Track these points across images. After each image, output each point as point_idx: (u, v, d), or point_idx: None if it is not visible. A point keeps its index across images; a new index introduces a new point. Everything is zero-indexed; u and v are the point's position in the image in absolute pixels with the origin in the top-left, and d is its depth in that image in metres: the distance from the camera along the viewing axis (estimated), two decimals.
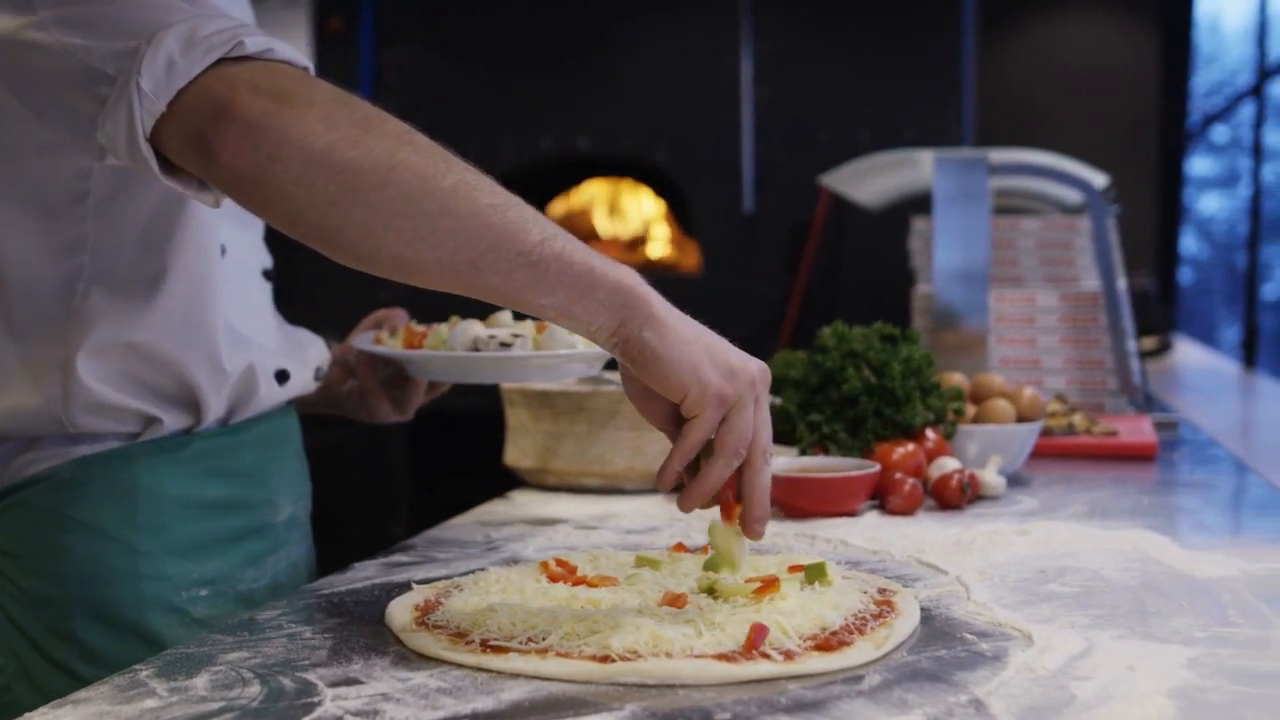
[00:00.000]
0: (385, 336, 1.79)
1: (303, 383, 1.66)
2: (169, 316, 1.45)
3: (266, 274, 1.66)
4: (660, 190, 5.99)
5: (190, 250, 1.46)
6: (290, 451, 1.68)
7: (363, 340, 1.77)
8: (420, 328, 1.77)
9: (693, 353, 1.16)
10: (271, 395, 1.58)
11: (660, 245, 6.02)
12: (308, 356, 1.69)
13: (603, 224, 6.08)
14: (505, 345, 1.66)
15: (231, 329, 1.51)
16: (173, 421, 1.49)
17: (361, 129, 1.15)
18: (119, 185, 1.39)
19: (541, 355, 1.68)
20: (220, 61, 1.18)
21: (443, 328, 1.73)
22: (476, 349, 1.67)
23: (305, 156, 1.13)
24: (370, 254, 1.16)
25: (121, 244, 1.43)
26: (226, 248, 1.52)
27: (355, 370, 1.83)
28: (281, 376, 1.59)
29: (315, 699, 1.04)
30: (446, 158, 1.17)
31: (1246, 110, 10.66)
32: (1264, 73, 9.89)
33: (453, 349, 1.68)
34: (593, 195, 6.14)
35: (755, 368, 1.21)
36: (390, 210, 1.13)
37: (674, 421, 1.22)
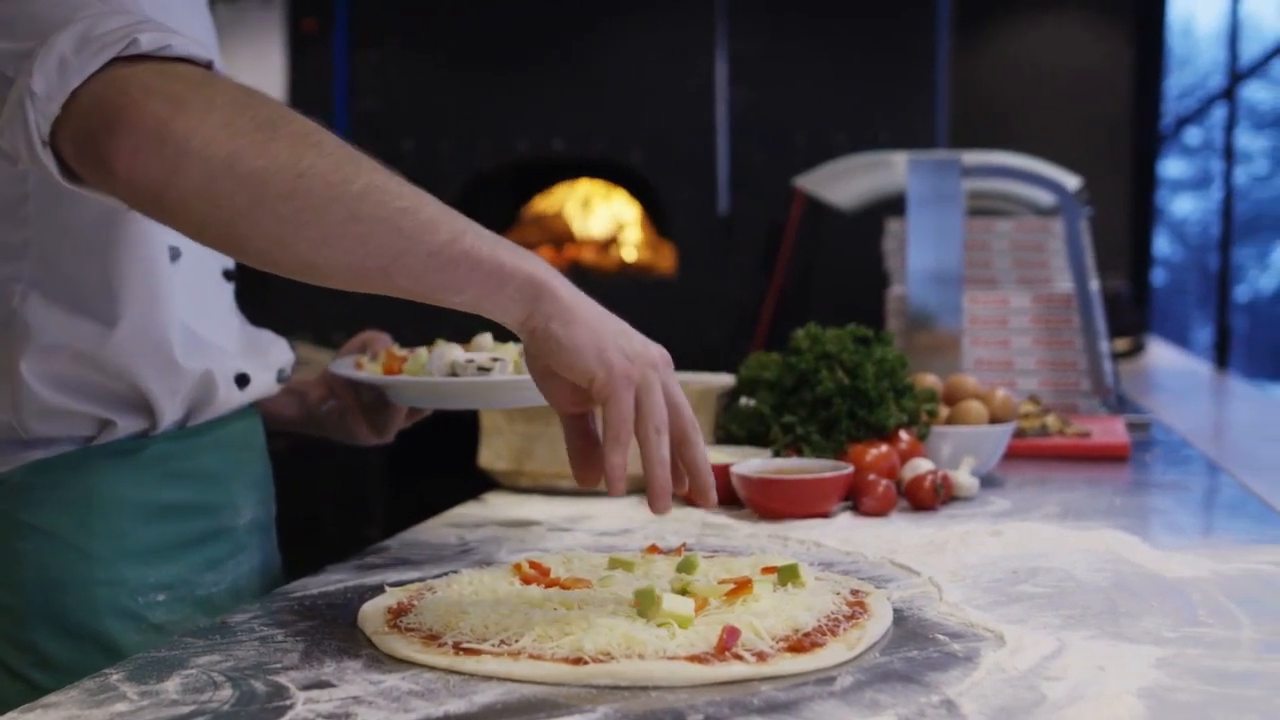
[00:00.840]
0: (366, 361, 1.74)
1: (264, 385, 1.63)
2: (117, 321, 1.42)
3: (228, 274, 1.63)
4: (635, 192, 5.99)
5: (136, 253, 1.42)
6: (252, 454, 1.65)
7: (342, 365, 1.74)
8: (402, 352, 1.72)
9: (598, 338, 1.17)
10: (231, 398, 1.55)
11: (635, 247, 6.02)
12: (270, 359, 1.66)
13: (577, 226, 6.07)
14: (484, 370, 1.59)
15: (187, 331, 1.48)
16: (127, 425, 1.46)
17: (266, 133, 1.11)
18: (60, 188, 1.30)
19: (522, 380, 1.54)
20: (114, 61, 1.13)
21: (422, 352, 1.67)
22: (455, 374, 1.61)
23: (207, 167, 1.09)
24: (280, 260, 1.15)
25: (62, 248, 1.40)
26: (180, 250, 1.48)
27: (336, 392, 1.80)
28: (241, 380, 1.56)
29: (287, 702, 1.04)
30: (354, 159, 1.15)
31: (1219, 113, 10.72)
32: (1235, 76, 9.94)
33: (430, 374, 1.62)
34: (567, 197, 6.14)
35: (656, 351, 1.22)
36: (299, 219, 1.11)
37: (575, 403, 1.24)
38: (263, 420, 1.75)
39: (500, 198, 5.99)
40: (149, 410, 1.47)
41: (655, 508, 1.22)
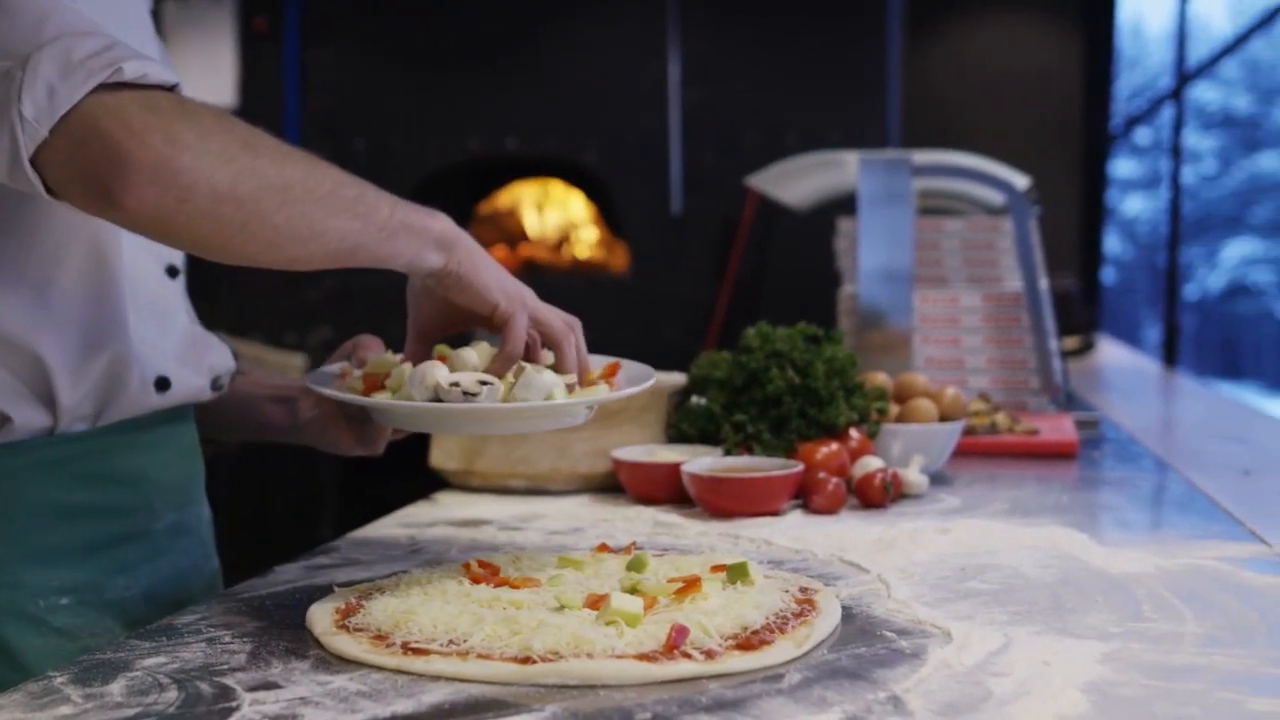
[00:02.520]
0: (352, 370, 1.56)
1: (192, 390, 1.58)
2: (13, 308, 1.40)
3: (171, 271, 1.60)
4: (589, 191, 5.99)
5: (42, 242, 1.41)
6: (175, 456, 1.60)
7: (320, 378, 1.57)
8: (388, 360, 1.52)
9: (496, 274, 1.41)
10: (147, 399, 1.52)
11: (588, 246, 6.02)
12: (205, 363, 1.62)
13: (531, 225, 6.07)
14: (469, 395, 1.39)
15: (108, 326, 1.46)
16: (26, 420, 1.42)
17: (250, 153, 1.22)
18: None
19: (516, 408, 1.39)
20: (99, 87, 1.18)
21: (405, 368, 1.46)
22: (438, 398, 1.40)
23: (214, 195, 1.19)
24: (270, 261, 1.29)
25: None
26: (106, 243, 1.46)
27: (319, 403, 1.71)
28: (161, 384, 1.53)
29: (233, 704, 1.03)
30: (315, 163, 1.29)
31: (1168, 113, 10.82)
32: (1183, 76, 10.03)
33: (411, 397, 1.42)
34: (521, 196, 6.13)
35: (523, 285, 1.46)
36: (290, 226, 1.25)
37: (440, 327, 1.48)
38: (252, 428, 1.73)
39: (453, 196, 5.98)
40: (51, 400, 1.43)
41: (582, 382, 1.46)
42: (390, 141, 5.79)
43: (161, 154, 1.17)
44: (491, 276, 1.40)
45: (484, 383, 1.40)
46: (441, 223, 1.37)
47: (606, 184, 5.76)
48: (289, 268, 1.31)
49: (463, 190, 6.08)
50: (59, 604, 1.44)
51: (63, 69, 1.18)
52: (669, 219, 5.63)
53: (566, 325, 1.45)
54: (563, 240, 6.05)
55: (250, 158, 1.22)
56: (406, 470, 2.46)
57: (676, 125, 5.61)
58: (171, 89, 1.24)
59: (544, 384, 1.39)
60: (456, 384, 1.40)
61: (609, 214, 5.94)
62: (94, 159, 1.17)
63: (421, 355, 1.48)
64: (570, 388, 1.43)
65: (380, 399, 1.43)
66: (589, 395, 1.43)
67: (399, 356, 1.51)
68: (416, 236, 1.34)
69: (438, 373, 1.41)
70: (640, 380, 1.52)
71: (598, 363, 1.54)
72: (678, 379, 2.21)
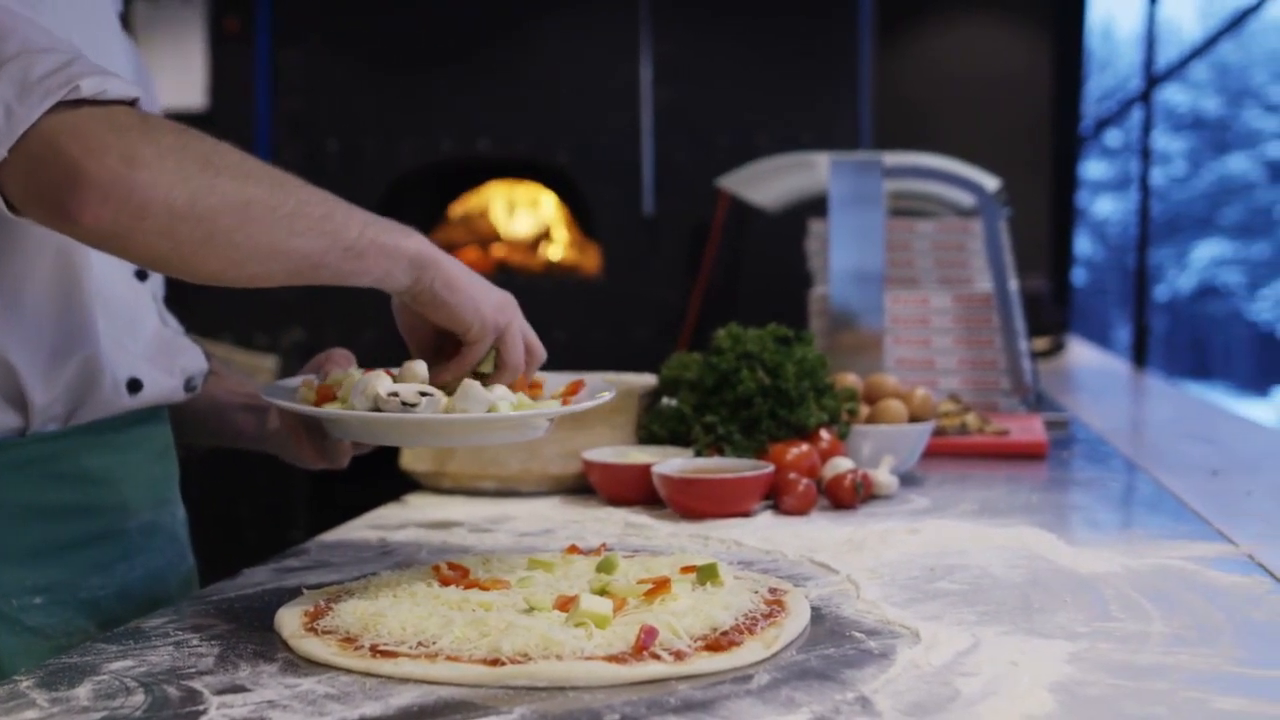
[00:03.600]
0: (312, 382, 1.54)
1: (165, 391, 1.59)
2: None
3: (141, 275, 1.60)
4: (561, 192, 5.99)
5: (13, 254, 1.40)
6: (148, 456, 1.61)
7: (274, 389, 1.56)
8: (336, 378, 1.52)
9: (472, 295, 1.37)
10: (119, 400, 1.52)
11: (560, 247, 6.02)
12: (177, 365, 1.62)
13: (503, 226, 6.06)
14: (408, 405, 1.39)
15: (73, 324, 1.46)
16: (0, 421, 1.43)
17: (210, 171, 1.22)
18: None
19: (450, 419, 1.39)
20: (58, 105, 1.18)
21: (355, 373, 1.49)
22: (377, 408, 1.40)
23: (170, 212, 1.19)
24: (230, 279, 1.28)
25: None
26: (74, 249, 1.45)
27: (280, 415, 1.73)
28: (134, 385, 1.54)
29: (200, 707, 1.03)
30: (280, 180, 1.28)
31: (1138, 115, 10.88)
32: (1152, 79, 10.09)
33: (354, 407, 1.42)
34: (493, 197, 6.12)
35: (506, 298, 1.43)
36: (250, 245, 1.24)
37: (433, 348, 1.45)
38: (224, 434, 1.74)
39: (424, 197, 5.97)
40: (22, 402, 1.43)
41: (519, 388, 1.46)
42: (362, 142, 5.78)
43: (117, 172, 1.17)
44: (465, 297, 1.37)
45: (424, 394, 1.40)
46: (416, 242, 1.35)
47: (578, 185, 5.76)
48: (250, 284, 1.30)
49: (434, 191, 6.07)
50: (32, 603, 1.44)
51: (20, 89, 1.18)
52: (641, 220, 5.63)
53: (517, 364, 1.43)
54: (535, 242, 6.05)
55: (209, 175, 1.21)
56: (378, 472, 2.45)
57: (648, 126, 5.61)
58: (133, 103, 1.24)
59: (485, 397, 1.39)
60: (395, 394, 1.40)
61: (581, 215, 5.94)
62: (51, 177, 1.18)
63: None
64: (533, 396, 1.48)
65: (327, 409, 1.44)
66: (537, 408, 1.44)
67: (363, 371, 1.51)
68: (387, 256, 1.32)
69: (379, 384, 1.42)
70: (602, 394, 1.53)
71: (562, 380, 1.57)
72: (648, 380, 2.21)
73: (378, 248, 1.32)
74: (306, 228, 1.27)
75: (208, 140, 1.25)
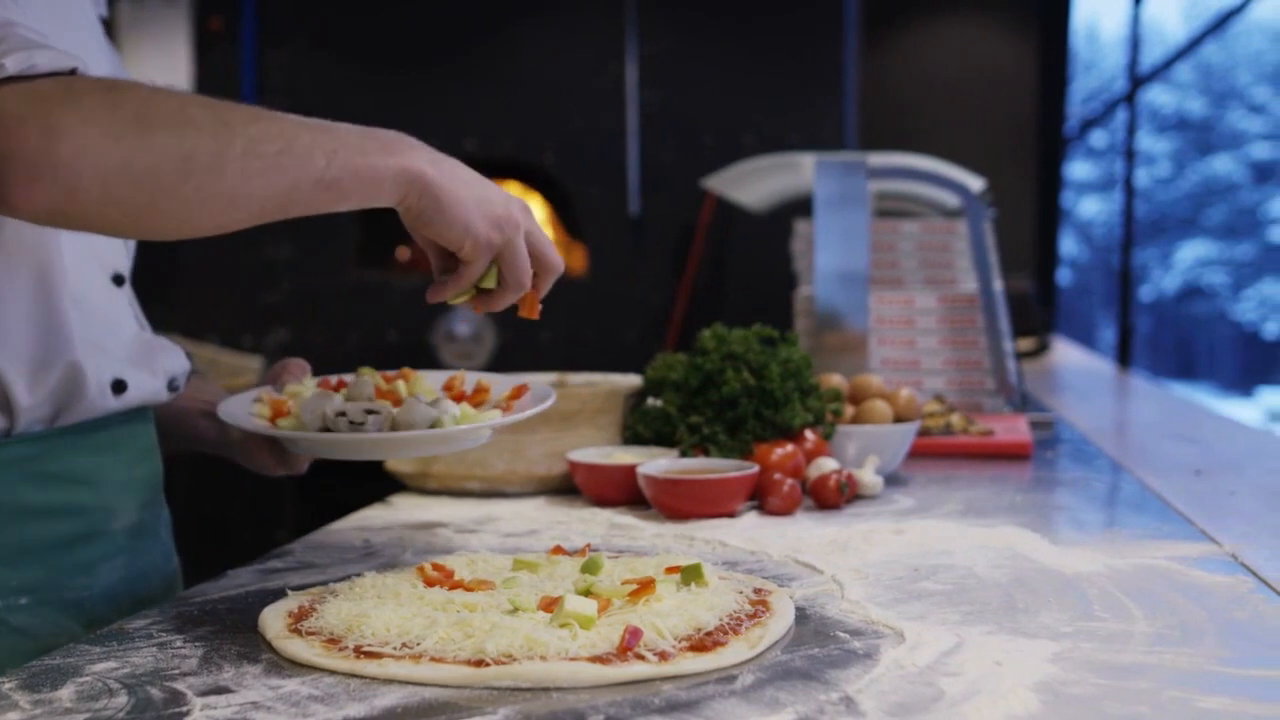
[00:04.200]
0: (268, 395, 1.65)
1: (149, 391, 1.59)
2: None
3: (117, 280, 1.60)
4: (547, 193, 5.98)
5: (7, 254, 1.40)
6: (133, 457, 1.61)
7: (233, 404, 1.64)
8: (302, 387, 1.64)
9: (464, 211, 1.31)
10: (104, 401, 1.51)
11: None
12: (159, 365, 1.62)
13: None
14: (356, 425, 1.49)
15: (54, 329, 1.45)
16: None
17: (143, 127, 1.16)
18: None
19: (408, 437, 1.49)
20: None
21: (310, 383, 1.63)
22: (327, 428, 1.51)
23: (104, 180, 1.14)
24: (192, 231, 1.23)
25: None
26: (50, 261, 1.44)
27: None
28: (118, 386, 1.53)
29: (183, 709, 1.02)
30: (225, 121, 1.20)
31: (1123, 116, 10.91)
32: (1136, 80, 10.11)
33: (306, 426, 1.53)
34: None
35: (517, 208, 1.38)
36: (199, 196, 1.18)
37: (451, 257, 1.40)
38: (185, 440, 1.73)
39: None
40: (7, 405, 1.43)
41: (476, 308, 1.44)
42: None
43: (37, 147, 1.12)
44: (454, 215, 1.31)
45: (370, 412, 1.49)
46: (401, 158, 1.28)
47: (564, 186, 5.76)
48: (220, 232, 1.25)
49: None
50: (18, 603, 1.43)
51: None
52: (627, 221, 5.64)
53: (518, 283, 1.39)
54: None
55: (142, 133, 1.15)
56: (363, 473, 2.45)
57: (634, 127, 5.61)
58: (70, 73, 1.19)
59: (427, 413, 1.49)
60: (343, 414, 1.49)
61: (567, 216, 5.94)
62: None
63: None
64: (478, 403, 1.57)
65: (286, 427, 1.54)
66: (479, 419, 1.51)
67: (317, 381, 1.65)
68: (365, 182, 1.26)
69: (328, 404, 1.52)
70: (545, 400, 1.58)
71: (506, 384, 1.60)
72: (634, 381, 2.21)
73: (352, 173, 1.26)
74: (263, 168, 1.20)
75: (143, 91, 1.19)
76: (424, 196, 1.29)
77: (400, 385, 1.60)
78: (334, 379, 1.66)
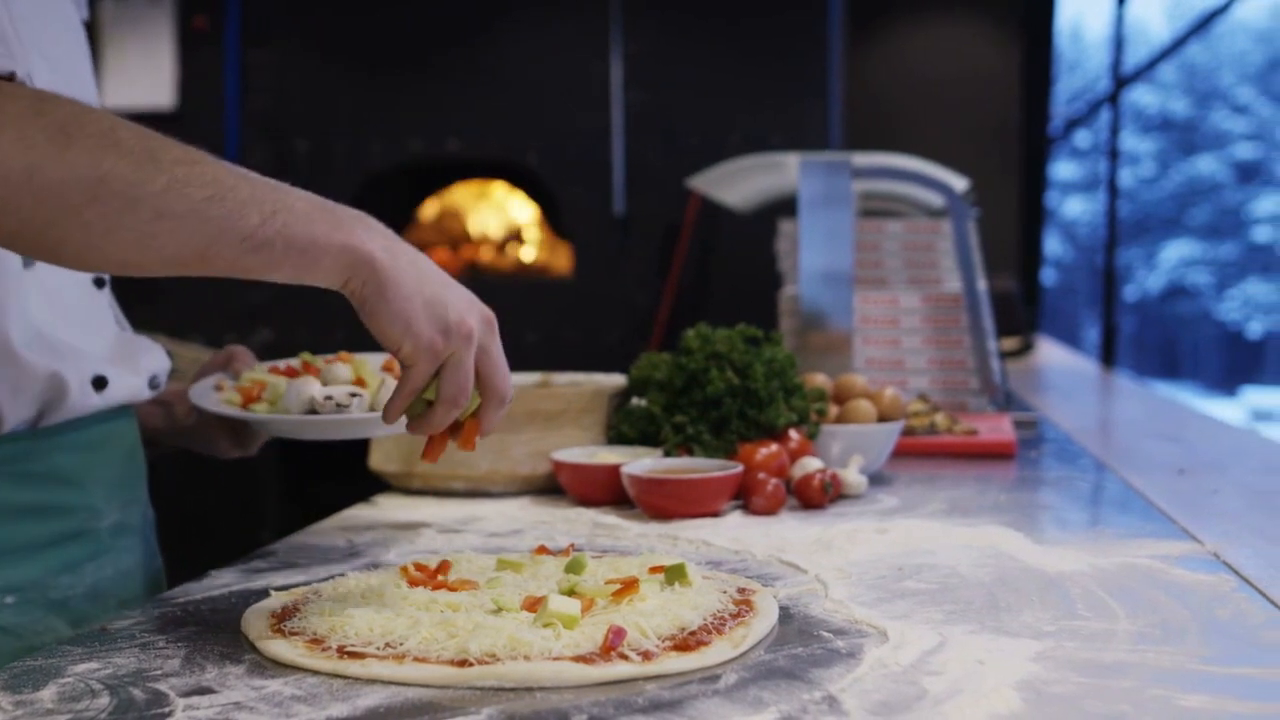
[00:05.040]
0: (226, 384, 1.73)
1: (131, 389, 1.59)
2: None
3: (99, 282, 1.60)
4: (532, 193, 5.98)
5: None
6: (116, 456, 1.61)
7: (200, 393, 1.71)
8: (261, 373, 1.73)
9: (409, 309, 1.19)
10: (87, 401, 1.51)
11: (531, 248, 6.01)
12: (140, 364, 1.62)
13: (474, 226, 6.05)
14: (342, 406, 1.59)
15: (35, 333, 1.45)
16: None
17: (60, 142, 1.09)
18: None
19: (378, 416, 1.57)
20: None
21: (280, 382, 1.69)
22: (313, 410, 1.59)
23: (5, 186, 1.07)
24: (98, 263, 1.15)
25: None
26: (31, 266, 1.45)
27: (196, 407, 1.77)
28: (99, 382, 1.53)
29: (166, 709, 1.02)
30: (155, 154, 1.12)
31: (1108, 116, 10.94)
32: (1119, 80, 10.14)
33: (289, 409, 1.61)
34: (463, 198, 6.11)
35: (476, 319, 1.25)
36: (105, 224, 1.10)
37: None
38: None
39: (394, 198, 5.96)
40: None
41: (411, 429, 1.31)
42: (331, 142, 5.77)
43: None
44: (401, 309, 1.19)
45: (354, 394, 1.59)
46: (349, 236, 1.18)
47: (549, 185, 5.76)
48: (129, 272, 1.16)
49: (404, 192, 6.06)
50: (4, 603, 1.44)
51: None
52: (612, 220, 5.63)
53: (451, 400, 1.26)
54: (505, 242, 6.04)
55: (58, 146, 1.08)
56: (347, 473, 2.45)
57: (619, 126, 5.61)
58: (8, 78, 1.16)
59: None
60: (330, 397, 1.57)
61: (552, 216, 5.94)
62: None
63: None
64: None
65: (261, 411, 1.63)
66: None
67: (268, 365, 1.76)
68: (301, 253, 1.16)
69: (312, 388, 1.60)
70: None
71: None
72: (618, 380, 2.21)
73: (287, 241, 1.15)
74: (183, 211, 1.11)
75: (78, 107, 1.13)
76: (368, 284, 1.18)
77: (340, 367, 1.71)
78: (282, 365, 1.76)
